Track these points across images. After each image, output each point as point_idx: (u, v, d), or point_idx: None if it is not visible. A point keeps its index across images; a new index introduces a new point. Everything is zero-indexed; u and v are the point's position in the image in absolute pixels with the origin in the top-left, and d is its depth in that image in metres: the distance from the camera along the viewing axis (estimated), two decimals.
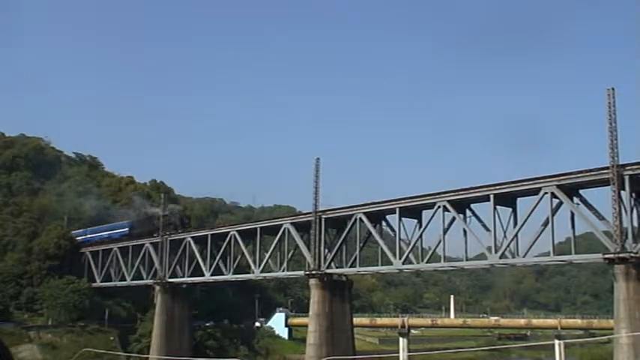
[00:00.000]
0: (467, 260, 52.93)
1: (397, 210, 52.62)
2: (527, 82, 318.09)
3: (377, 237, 55.25)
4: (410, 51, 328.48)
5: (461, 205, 48.87)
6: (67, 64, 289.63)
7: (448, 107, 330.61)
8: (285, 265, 63.35)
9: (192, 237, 72.70)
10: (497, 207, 46.64)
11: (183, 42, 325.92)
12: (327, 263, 57.35)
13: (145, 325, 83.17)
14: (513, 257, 46.54)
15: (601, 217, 42.54)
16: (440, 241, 50.20)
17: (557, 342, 74.39)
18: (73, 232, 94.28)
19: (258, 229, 64.64)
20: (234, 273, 68.41)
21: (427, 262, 53.07)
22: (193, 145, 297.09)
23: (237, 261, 69.45)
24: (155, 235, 76.53)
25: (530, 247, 46.02)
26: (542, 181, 43.99)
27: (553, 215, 43.40)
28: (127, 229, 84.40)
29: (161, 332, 73.23)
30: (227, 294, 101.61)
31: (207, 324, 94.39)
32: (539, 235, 44.78)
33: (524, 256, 46.08)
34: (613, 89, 41.10)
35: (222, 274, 68.90)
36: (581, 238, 54.87)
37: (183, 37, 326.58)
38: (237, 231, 66.42)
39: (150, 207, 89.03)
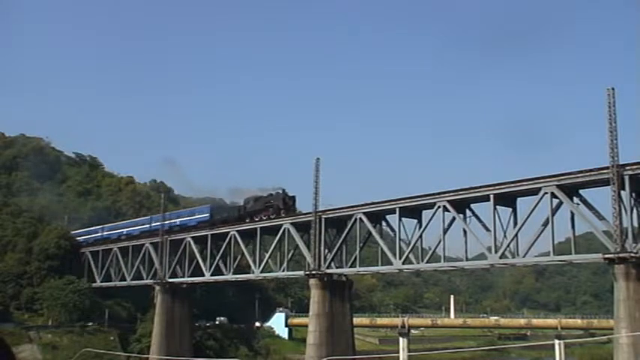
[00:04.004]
0: (467, 260, 52.89)
1: (397, 210, 52.58)
2: (527, 82, 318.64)
3: (377, 237, 55.22)
4: (410, 51, 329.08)
5: (461, 205, 48.84)
6: (66, 64, 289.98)
7: (448, 107, 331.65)
8: (285, 265, 63.30)
9: (192, 237, 72.67)
10: (497, 207, 46.60)
11: (183, 42, 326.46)
12: (327, 263, 57.34)
13: (145, 325, 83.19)
14: (513, 257, 46.49)
15: (601, 217, 42.51)
16: (440, 241, 50.15)
17: (557, 342, 74.29)
18: (125, 221, 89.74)
19: (258, 229, 64.56)
20: (234, 273, 68.39)
21: (427, 262, 53.00)
22: (193, 145, 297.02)
23: (237, 261, 69.43)
24: (247, 220, 67.19)
25: (530, 247, 46.00)
26: (542, 181, 43.96)
27: (553, 215, 43.37)
28: (207, 214, 73.89)
29: (161, 332, 73.19)
30: (227, 294, 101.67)
31: (208, 324, 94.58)
32: (539, 235, 44.74)
33: (524, 256, 46.05)
34: (613, 89, 41.08)
35: (222, 274, 68.90)
36: (581, 238, 54.87)
37: (183, 36, 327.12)
38: (237, 231, 66.39)
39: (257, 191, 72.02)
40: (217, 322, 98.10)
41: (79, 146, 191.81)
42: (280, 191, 65.55)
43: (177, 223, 77.24)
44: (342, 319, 57.55)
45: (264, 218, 64.76)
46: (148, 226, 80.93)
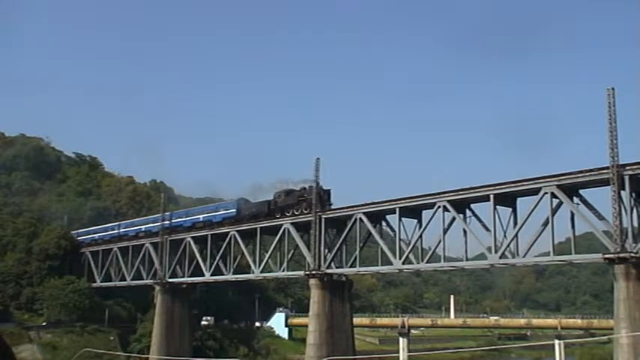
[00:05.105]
0: (467, 260, 52.86)
1: (397, 210, 52.56)
2: (527, 82, 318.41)
3: (377, 237, 55.19)
4: (410, 51, 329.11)
5: (461, 205, 48.82)
6: (66, 64, 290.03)
7: (448, 107, 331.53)
8: (285, 265, 63.30)
9: (192, 237, 72.67)
10: (498, 207, 46.58)
11: (184, 42, 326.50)
12: (327, 263, 57.33)
13: (145, 325, 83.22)
14: (513, 257, 46.48)
15: (601, 217, 42.49)
16: (440, 241, 50.14)
17: (557, 342, 74.31)
18: (143, 218, 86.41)
19: (258, 229, 64.52)
20: (234, 273, 68.39)
21: (427, 262, 52.99)
22: (193, 145, 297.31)
23: (237, 261, 69.40)
24: (278, 215, 62.99)
25: (530, 247, 45.94)
26: (542, 181, 43.94)
27: (553, 215, 43.35)
28: (233, 210, 69.79)
29: (161, 332, 73.23)
30: (227, 294, 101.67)
31: (207, 320, 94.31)
32: (539, 235, 44.72)
33: (524, 256, 46.02)
34: (613, 89, 41.06)
35: (222, 274, 68.90)
36: (581, 238, 54.81)
37: (183, 36, 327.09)
38: (237, 231, 66.37)
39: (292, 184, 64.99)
40: (205, 323, 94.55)
41: (79, 146, 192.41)
42: (314, 184, 59.94)
43: (201, 219, 74.04)
44: (342, 319, 57.53)
45: (297, 213, 60.60)
46: (168, 222, 78.17)
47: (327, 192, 59.71)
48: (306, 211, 59.68)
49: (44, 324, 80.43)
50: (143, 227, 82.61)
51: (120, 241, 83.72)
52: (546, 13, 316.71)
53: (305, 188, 61.18)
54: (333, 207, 58.83)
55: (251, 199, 70.42)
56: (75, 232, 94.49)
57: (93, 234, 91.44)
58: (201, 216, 74.67)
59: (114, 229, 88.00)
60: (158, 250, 74.99)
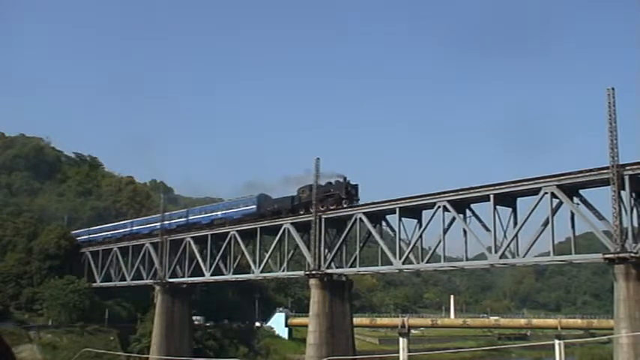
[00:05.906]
0: (467, 260, 52.89)
1: (397, 210, 52.55)
2: (527, 82, 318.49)
3: (377, 237, 55.18)
4: (410, 51, 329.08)
5: (461, 205, 48.82)
6: (67, 64, 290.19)
7: (448, 107, 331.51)
8: (285, 265, 63.30)
9: (192, 237, 72.65)
10: (498, 207, 46.59)
11: (185, 42, 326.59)
12: (327, 263, 57.32)
13: (145, 325, 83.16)
14: (513, 257, 46.48)
15: (601, 217, 42.49)
16: (440, 241, 50.14)
17: (557, 342, 74.27)
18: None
19: (258, 229, 64.50)
20: (234, 273, 68.36)
21: (427, 262, 52.99)
22: (193, 145, 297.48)
23: (237, 261, 69.33)
24: (302, 212, 60.48)
25: (530, 247, 45.94)
26: (542, 181, 43.94)
27: (553, 215, 43.34)
28: (254, 206, 67.15)
29: (161, 332, 73.21)
30: (227, 294, 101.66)
31: (206, 322, 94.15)
32: (539, 235, 44.71)
33: (524, 256, 46.01)
34: (613, 89, 41.04)
35: (222, 274, 68.90)
36: (581, 238, 54.80)
37: (184, 37, 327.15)
38: (237, 231, 66.35)
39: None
40: (196, 323, 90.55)
41: (79, 146, 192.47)
42: (341, 179, 57.88)
43: (220, 215, 71.87)
44: (342, 319, 57.52)
45: (322, 209, 57.56)
46: (184, 219, 76.88)
47: (355, 187, 57.94)
48: (332, 208, 57.31)
49: (50, 323, 79.93)
50: (158, 224, 79.63)
51: (120, 240, 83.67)
52: (546, 13, 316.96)
53: (331, 183, 58.55)
54: (332, 207, 58.67)
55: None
56: (84, 230, 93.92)
57: (105, 232, 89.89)
58: (219, 212, 72.95)
59: (126, 227, 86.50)
60: (158, 250, 74.96)
